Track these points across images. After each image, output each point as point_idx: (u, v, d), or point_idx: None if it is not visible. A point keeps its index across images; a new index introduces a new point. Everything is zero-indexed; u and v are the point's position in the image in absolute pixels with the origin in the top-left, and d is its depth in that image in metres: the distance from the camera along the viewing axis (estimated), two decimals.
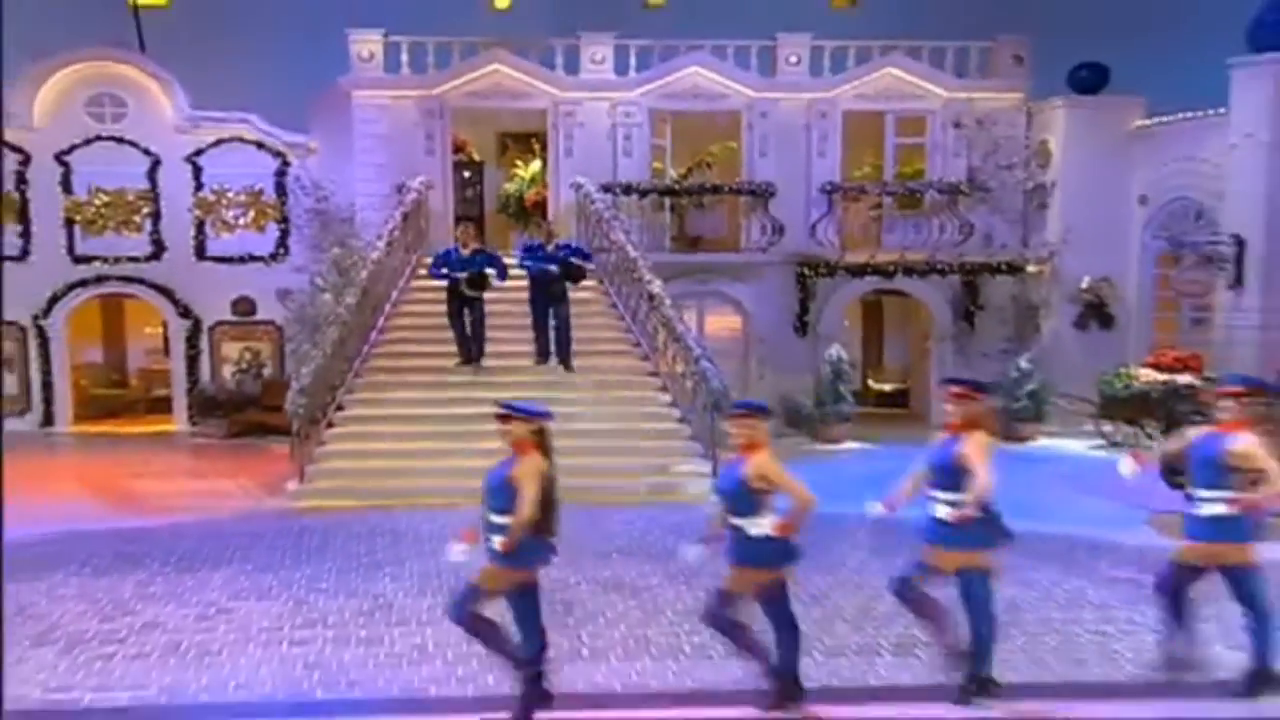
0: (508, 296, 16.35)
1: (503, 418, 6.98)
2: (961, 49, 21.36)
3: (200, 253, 20.86)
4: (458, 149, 21.89)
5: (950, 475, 7.17)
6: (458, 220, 20.08)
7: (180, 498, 14.62)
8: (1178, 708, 7.41)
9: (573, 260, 16.09)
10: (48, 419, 20.73)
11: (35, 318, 20.50)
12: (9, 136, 19.99)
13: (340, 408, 15.56)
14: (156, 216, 20.68)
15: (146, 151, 20.52)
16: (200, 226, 20.81)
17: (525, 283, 16.21)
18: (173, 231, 20.72)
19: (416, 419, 15.10)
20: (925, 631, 7.63)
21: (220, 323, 21.06)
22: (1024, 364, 19.36)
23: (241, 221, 20.88)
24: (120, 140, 20.48)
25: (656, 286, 16.40)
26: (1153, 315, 20.76)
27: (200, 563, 11.12)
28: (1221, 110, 18.61)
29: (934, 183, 21.10)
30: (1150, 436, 17.02)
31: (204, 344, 21.03)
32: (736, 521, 7.00)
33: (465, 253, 15.92)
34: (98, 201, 20.47)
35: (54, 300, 20.54)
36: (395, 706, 7.29)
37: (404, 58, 20.57)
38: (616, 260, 17.76)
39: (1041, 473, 16.10)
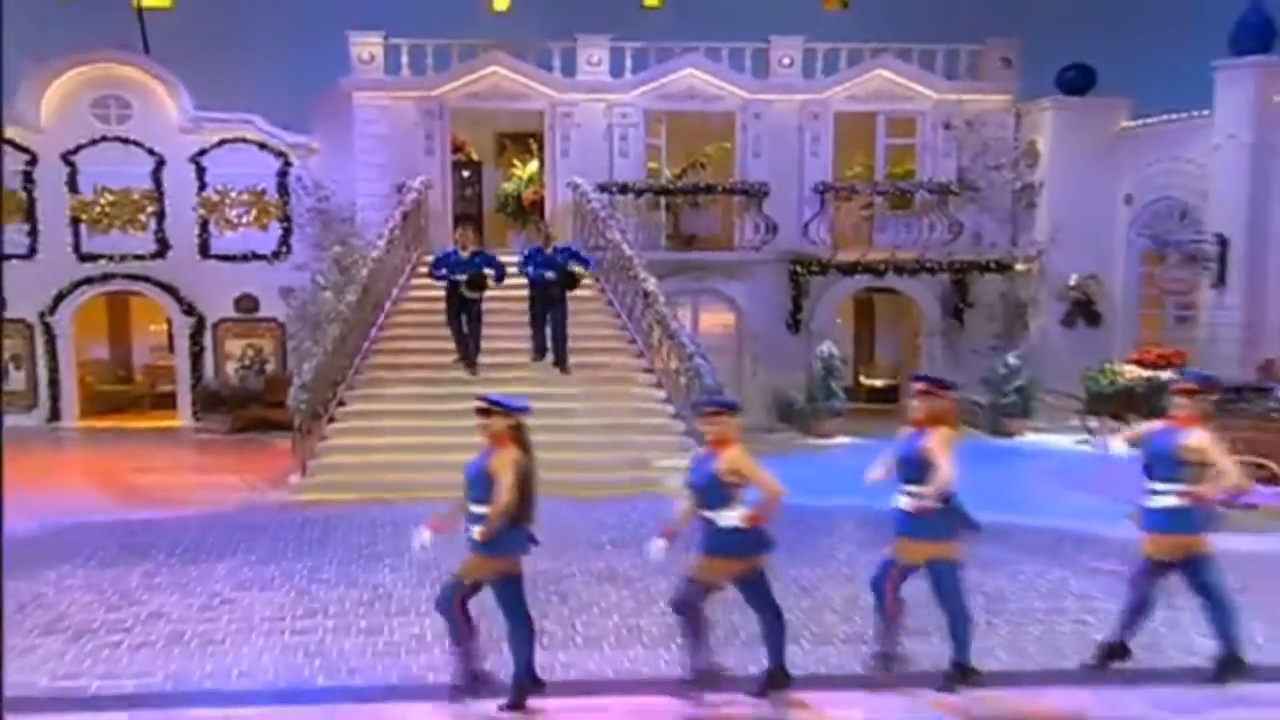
0: (507, 295, 16.39)
1: (483, 411, 7.09)
2: (951, 51, 21.45)
3: (204, 251, 20.92)
4: (457, 149, 21.90)
5: (915, 468, 7.29)
6: (457, 222, 20.12)
7: (185, 491, 14.62)
8: (1155, 695, 7.48)
9: (571, 267, 16.08)
10: (54, 414, 20.80)
11: (42, 315, 20.56)
12: (16, 137, 20.07)
13: (341, 403, 15.59)
14: (161, 215, 20.73)
15: (151, 151, 20.57)
16: (204, 225, 20.87)
17: (524, 283, 16.24)
18: (177, 230, 20.77)
19: (416, 414, 15.15)
20: (878, 626, 7.72)
21: (224, 320, 21.13)
22: (1012, 360, 19.42)
23: (244, 220, 20.93)
24: (125, 141, 20.54)
25: (651, 284, 16.47)
26: (1138, 312, 20.88)
27: (204, 554, 11.15)
28: (1205, 112, 18.73)
29: (924, 183, 21.20)
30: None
31: (208, 341, 21.09)
32: (707, 514, 7.09)
33: (465, 254, 15.92)
34: (103, 201, 20.51)
35: (60, 298, 20.60)
36: (394, 693, 7.33)
37: (404, 59, 20.64)
38: (612, 258, 17.80)
39: (1028, 467, 16.19)
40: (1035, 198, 21.29)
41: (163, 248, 20.78)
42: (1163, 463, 7.48)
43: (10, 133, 20.05)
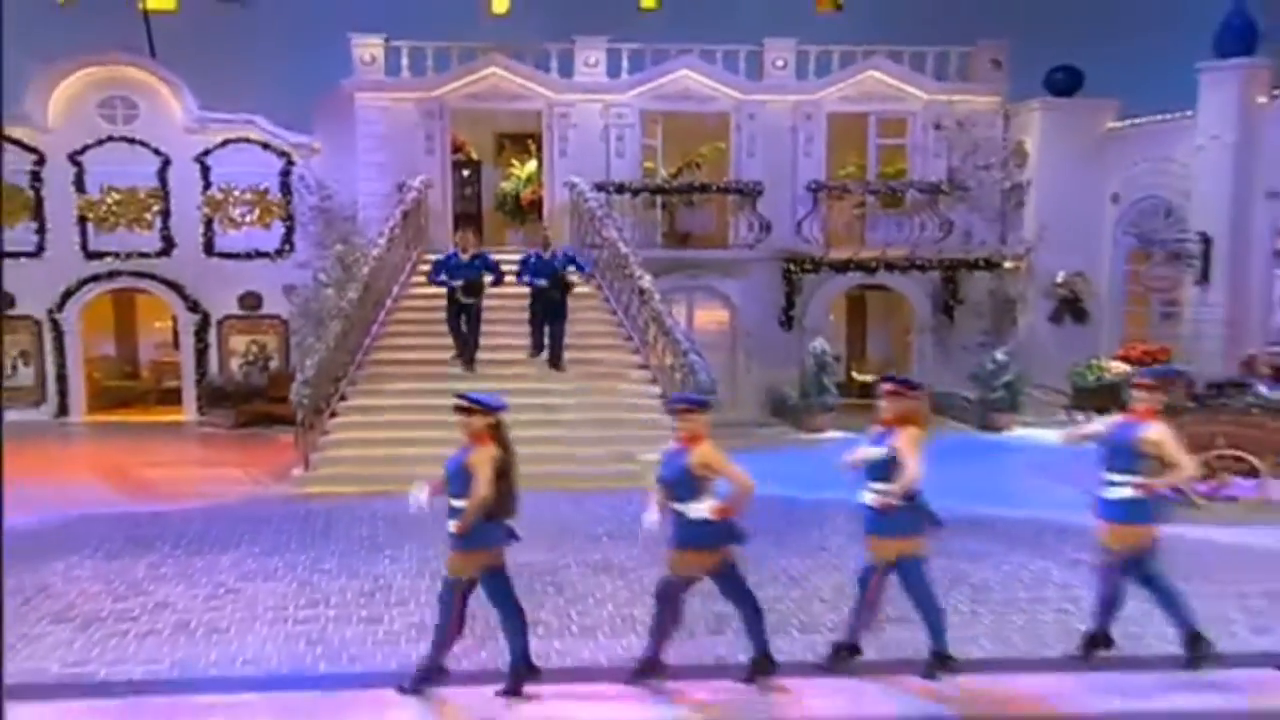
0: (506, 294, 16.41)
1: (463, 409, 7.15)
2: (941, 53, 21.50)
3: (209, 249, 20.94)
4: (456, 149, 21.92)
5: (883, 466, 7.40)
6: (458, 223, 20.19)
7: (190, 484, 14.66)
8: (1131, 680, 7.58)
9: (569, 276, 16.12)
10: (62, 409, 20.83)
11: (50, 312, 20.58)
12: (25, 138, 20.11)
13: (343, 398, 15.63)
14: (166, 214, 20.75)
15: (157, 151, 20.59)
16: (208, 224, 20.89)
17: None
18: (182, 228, 20.79)
19: (416, 409, 15.17)
20: (851, 617, 7.82)
21: (228, 317, 21.15)
22: (1000, 356, 19.46)
23: (248, 219, 20.94)
24: (131, 141, 20.54)
25: (647, 282, 16.51)
26: (1124, 309, 20.98)
27: (209, 546, 11.22)
28: (1190, 113, 18.80)
29: (915, 182, 21.23)
30: None
31: (212, 337, 21.12)
32: (678, 506, 7.18)
33: (465, 257, 15.93)
34: (110, 200, 20.52)
35: (68, 295, 20.62)
36: (393, 680, 7.39)
37: (404, 61, 20.66)
38: (609, 256, 17.85)
39: (1016, 461, 16.27)
40: (1024, 197, 21.37)
41: (168, 246, 20.80)
42: (1121, 455, 7.63)
43: (19, 133, 20.08)
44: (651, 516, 7.36)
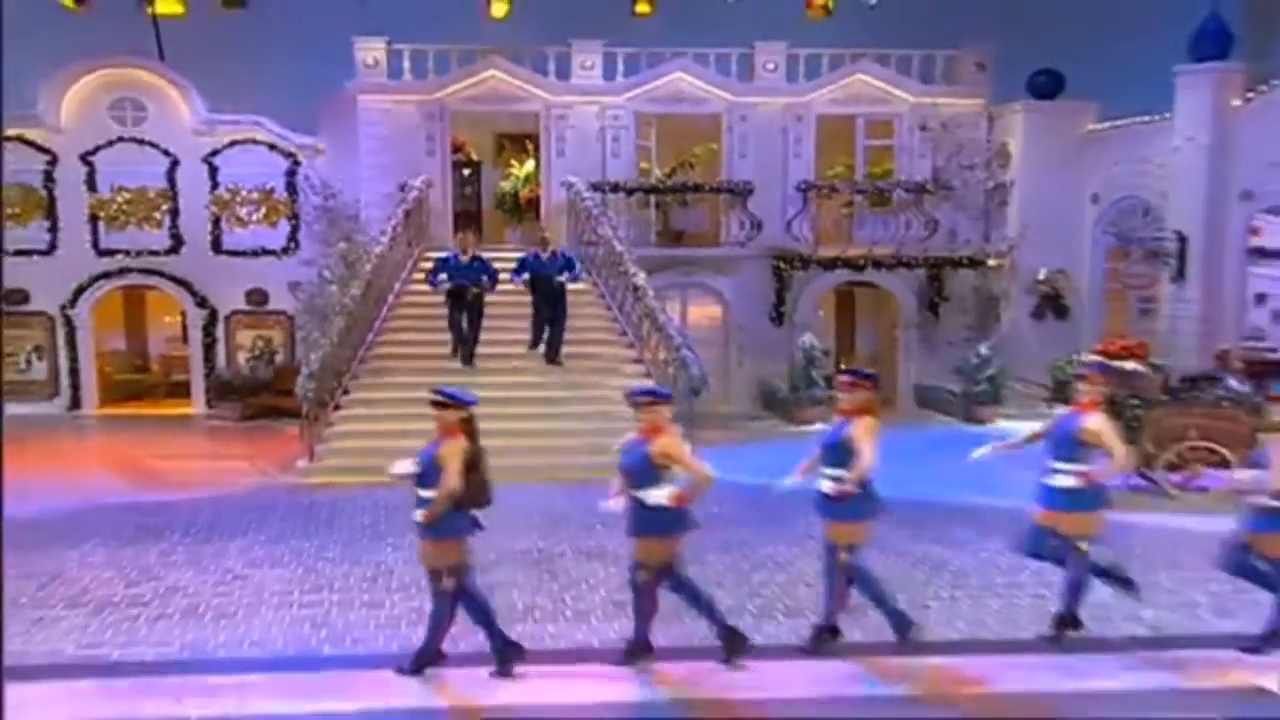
0: (506, 293, 16.48)
1: (437, 404, 7.25)
2: (927, 57, 21.59)
3: (216, 247, 21.02)
4: (456, 149, 21.98)
5: (839, 454, 7.56)
6: (457, 222, 20.30)
7: (199, 475, 14.75)
8: (1094, 660, 7.75)
9: (558, 279, 16.13)
10: (75, 402, 20.92)
11: (62, 308, 20.66)
12: (38, 139, 20.21)
13: (346, 392, 15.71)
14: (175, 213, 20.81)
15: (166, 152, 20.66)
16: (216, 222, 20.97)
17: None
18: (190, 227, 20.86)
19: (416, 402, 15.11)
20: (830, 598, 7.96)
21: (235, 312, 21.22)
22: (984, 351, 19.62)
23: (254, 218, 21.02)
24: (141, 142, 20.61)
25: (641, 279, 16.62)
26: (1103, 305, 21.06)
27: (218, 534, 11.33)
28: (1167, 115, 18.87)
29: (901, 182, 21.34)
30: None
31: (220, 332, 21.19)
32: (637, 494, 7.28)
33: (465, 259, 16.00)
34: (120, 199, 20.60)
35: (80, 291, 20.70)
36: (393, 662, 7.50)
37: (406, 64, 20.72)
38: (604, 254, 17.95)
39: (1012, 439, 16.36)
40: (1006, 196, 21.46)
41: (177, 244, 20.86)
42: (1064, 444, 7.83)
43: (32, 134, 20.15)
44: (610, 504, 7.48)
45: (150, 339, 23.77)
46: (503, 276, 16.32)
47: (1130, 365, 17.28)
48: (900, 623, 7.78)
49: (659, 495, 7.24)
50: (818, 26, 21.01)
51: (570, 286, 16.52)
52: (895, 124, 21.64)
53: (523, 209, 21.88)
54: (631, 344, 16.94)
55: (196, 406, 21.09)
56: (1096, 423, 7.74)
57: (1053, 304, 21.08)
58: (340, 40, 20.47)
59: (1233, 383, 13.93)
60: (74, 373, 20.93)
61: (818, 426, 18.79)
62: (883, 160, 21.93)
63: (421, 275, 17.55)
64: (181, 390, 21.77)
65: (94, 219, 20.66)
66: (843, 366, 24.06)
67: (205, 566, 10.11)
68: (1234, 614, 8.62)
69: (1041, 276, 21.00)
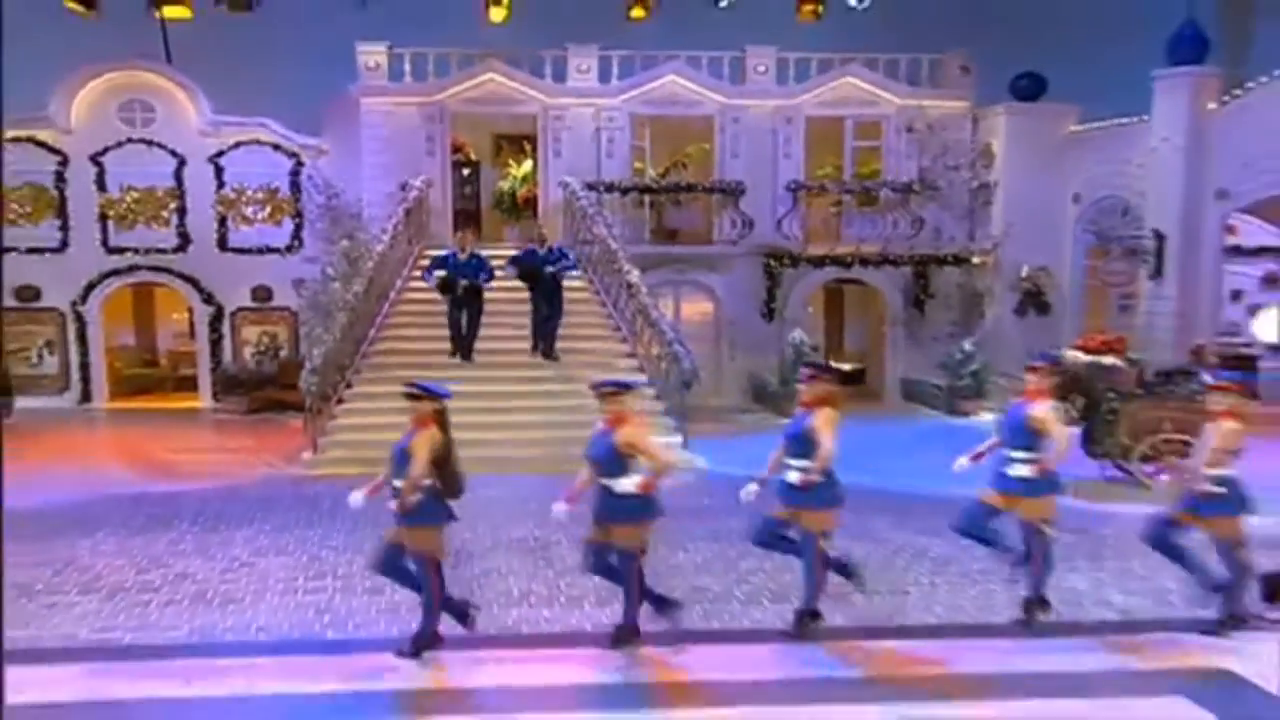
0: (504, 288, 16.55)
1: (411, 396, 7.33)
2: (913, 60, 21.70)
3: (222, 245, 21.08)
4: (456, 150, 22.04)
5: (802, 444, 7.69)
6: (457, 220, 20.36)
7: (206, 466, 14.83)
8: (1068, 645, 7.89)
9: (547, 269, 16.12)
10: (85, 396, 21.01)
11: (73, 304, 20.75)
12: (49, 140, 20.29)
13: (349, 386, 15.74)
14: (183, 212, 20.88)
15: (173, 153, 20.72)
16: (222, 221, 21.04)
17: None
18: (197, 225, 20.93)
19: None
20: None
21: (241, 309, 21.30)
22: (968, 346, 19.76)
23: (260, 216, 21.10)
24: (149, 143, 20.66)
25: (635, 276, 16.65)
26: (1084, 302, 21.18)
27: (225, 523, 11.41)
28: (1145, 117, 19.01)
29: (888, 182, 21.44)
30: (1076, 411, 17.45)
31: (226, 328, 21.28)
32: (605, 482, 7.40)
33: (463, 256, 16.04)
34: (129, 198, 20.67)
35: (90, 288, 20.78)
36: (393, 646, 7.59)
37: (407, 68, 20.79)
38: (599, 252, 18.00)
39: (980, 444, 16.47)
40: (991, 196, 21.57)
41: (184, 242, 20.94)
42: (1017, 433, 8.00)
43: (43, 135, 20.20)
44: (560, 508, 7.59)
45: (158, 334, 23.88)
46: (501, 274, 16.38)
47: (1109, 360, 17.64)
48: (813, 612, 7.91)
49: (627, 484, 7.34)
50: (807, 31, 21.05)
51: (566, 282, 16.58)
52: (882, 125, 21.72)
53: (520, 208, 21.93)
54: (626, 339, 16.98)
55: (203, 400, 21.18)
56: (1042, 411, 7.94)
57: (1035, 300, 21.17)
58: (343, 44, 20.52)
59: (1207, 377, 14.03)
60: (84, 367, 21.01)
61: None
62: (870, 161, 22.02)
63: (421, 273, 17.61)
64: (189, 384, 21.85)
65: (104, 218, 20.72)
66: (832, 361, 24.27)
67: (213, 554, 10.20)
68: (1203, 599, 8.76)
69: (1024, 274, 21.10)
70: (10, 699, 5.91)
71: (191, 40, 20.84)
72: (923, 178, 21.41)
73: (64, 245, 20.65)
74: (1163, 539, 8.08)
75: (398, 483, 7.21)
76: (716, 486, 12.67)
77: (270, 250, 21.17)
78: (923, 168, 21.53)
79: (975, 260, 21.36)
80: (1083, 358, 17.76)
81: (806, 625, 7.91)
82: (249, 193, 21.05)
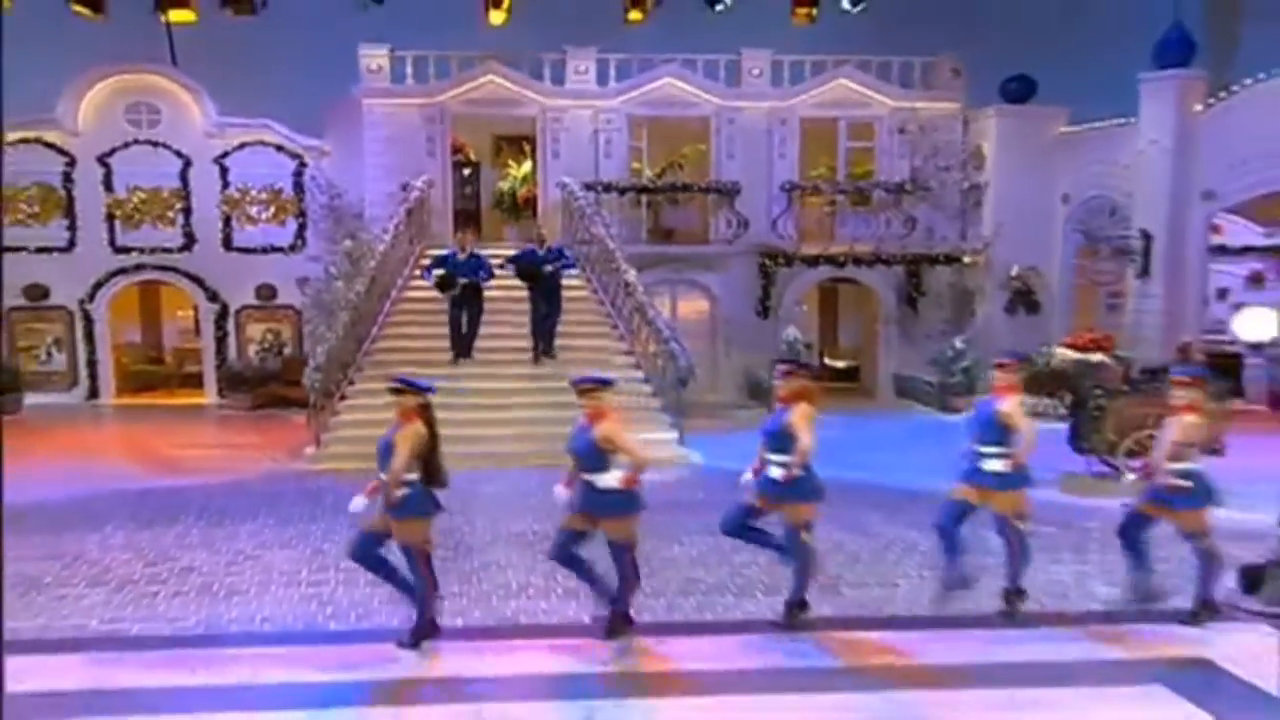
0: (504, 287, 16.61)
1: (396, 390, 7.39)
2: (906, 63, 21.76)
3: (227, 244, 21.15)
4: (456, 151, 22.11)
5: (780, 440, 7.72)
6: (457, 220, 20.39)
7: (211, 462, 14.87)
8: (1050, 635, 7.96)
9: (544, 267, 16.15)
10: (93, 392, 21.08)
11: (81, 302, 20.82)
12: (57, 141, 20.35)
13: (351, 383, 15.79)
14: (188, 212, 20.96)
15: (179, 154, 20.80)
16: (227, 221, 21.11)
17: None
18: (202, 225, 21.00)
19: None
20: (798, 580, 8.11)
21: (245, 307, 21.37)
22: (959, 343, 19.82)
23: (264, 216, 21.17)
24: (155, 144, 20.74)
25: (632, 275, 16.71)
26: (1073, 300, 21.24)
27: (230, 517, 11.44)
28: (1132, 119, 19.06)
29: (881, 182, 21.51)
30: (1065, 407, 17.52)
31: (231, 326, 21.36)
32: (587, 476, 7.44)
33: (463, 256, 16.07)
34: (135, 198, 20.75)
35: (97, 287, 20.85)
36: (394, 636, 7.63)
37: (408, 69, 20.86)
38: (597, 252, 18.04)
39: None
40: (981, 196, 21.62)
41: (189, 241, 21.01)
42: (986, 428, 8.06)
43: (51, 137, 20.31)
44: (560, 492, 7.63)
45: (164, 332, 23.98)
46: (501, 273, 16.43)
47: (1096, 357, 17.72)
48: (800, 603, 7.96)
49: (609, 479, 7.39)
50: (801, 34, 21.07)
51: (565, 281, 16.62)
52: (875, 127, 21.80)
53: (520, 208, 22.01)
54: (623, 337, 17.03)
55: (208, 396, 21.26)
56: (1009, 406, 7.98)
57: (1025, 299, 21.25)
58: (345, 47, 20.59)
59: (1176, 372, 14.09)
60: (92, 364, 21.09)
61: None
62: (863, 162, 22.08)
63: (421, 272, 17.66)
64: (194, 381, 21.92)
65: (110, 218, 20.79)
66: (826, 359, 24.37)
67: (218, 548, 10.24)
68: (1184, 591, 8.85)
69: (1014, 273, 21.17)
70: (22, 687, 5.99)
71: (196, 43, 20.83)
72: (915, 178, 21.47)
73: (72, 245, 20.72)
74: (1127, 532, 8.15)
75: (383, 475, 7.28)
76: (712, 481, 12.75)
77: (274, 250, 21.23)
78: (915, 168, 21.58)
79: (966, 259, 21.42)
80: (1071, 355, 17.98)
81: (796, 616, 7.97)
82: (253, 193, 21.11)
